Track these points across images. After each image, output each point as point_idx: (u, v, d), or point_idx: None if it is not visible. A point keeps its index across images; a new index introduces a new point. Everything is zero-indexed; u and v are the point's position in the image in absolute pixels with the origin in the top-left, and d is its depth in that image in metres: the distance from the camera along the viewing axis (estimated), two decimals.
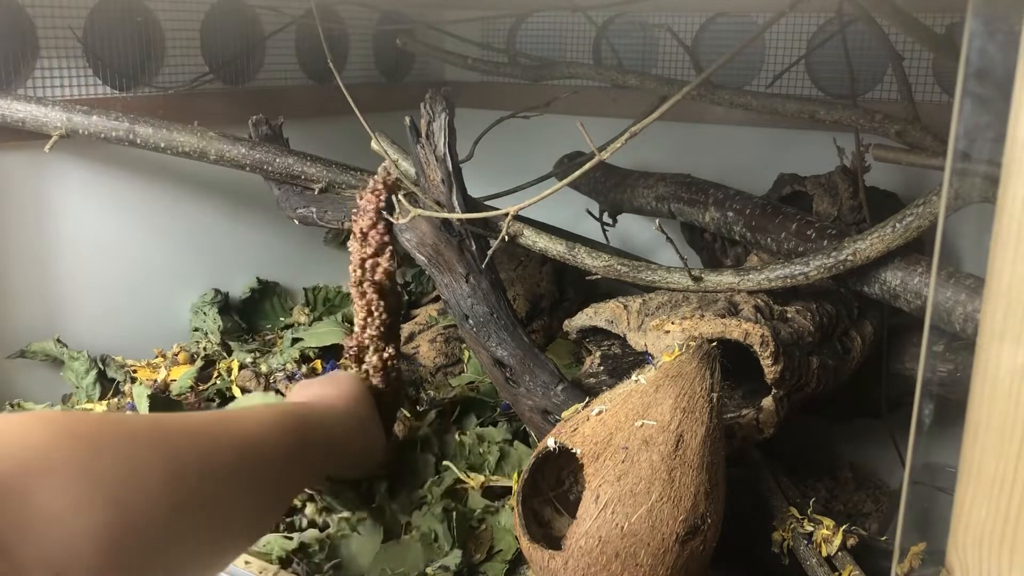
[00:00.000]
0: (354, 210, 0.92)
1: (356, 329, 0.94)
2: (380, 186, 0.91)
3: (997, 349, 0.43)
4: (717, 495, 0.72)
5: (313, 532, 0.88)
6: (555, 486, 0.82)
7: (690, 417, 0.70)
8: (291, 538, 0.87)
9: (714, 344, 0.76)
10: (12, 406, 1.11)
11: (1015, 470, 0.44)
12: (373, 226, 0.90)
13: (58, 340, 1.17)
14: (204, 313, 1.34)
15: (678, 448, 0.69)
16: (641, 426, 0.70)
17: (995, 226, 0.43)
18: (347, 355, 0.95)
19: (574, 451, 0.72)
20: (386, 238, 0.91)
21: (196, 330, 1.34)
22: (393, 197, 0.96)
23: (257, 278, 1.43)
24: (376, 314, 0.92)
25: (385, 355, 0.93)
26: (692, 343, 0.76)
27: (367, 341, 0.93)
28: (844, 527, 0.82)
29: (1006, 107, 0.41)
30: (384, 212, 0.91)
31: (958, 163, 0.46)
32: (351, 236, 0.92)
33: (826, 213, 1.15)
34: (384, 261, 0.90)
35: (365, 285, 0.91)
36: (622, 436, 0.70)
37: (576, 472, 0.80)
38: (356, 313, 0.93)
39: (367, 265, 0.90)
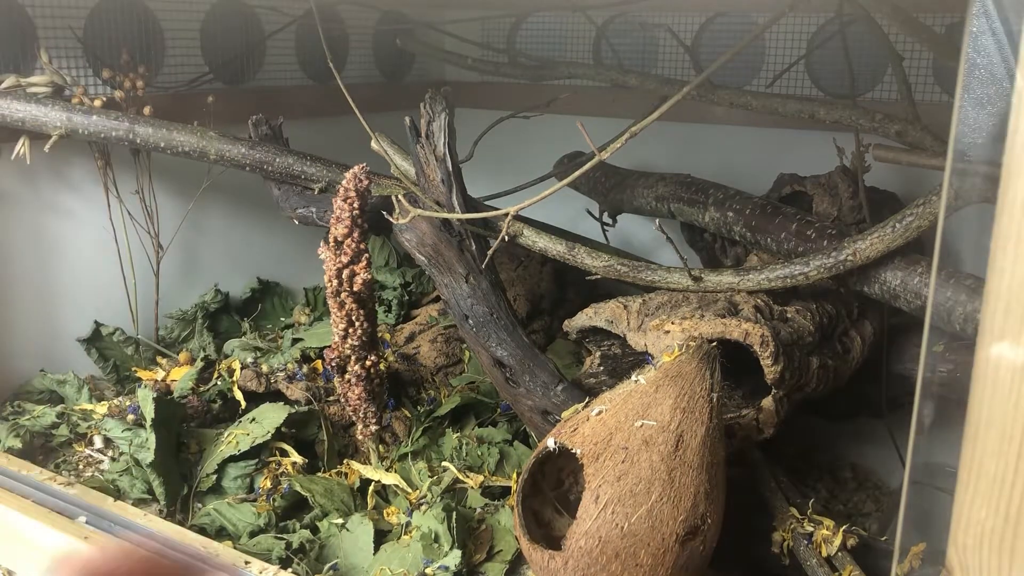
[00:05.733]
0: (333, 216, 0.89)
1: (336, 339, 0.92)
2: (352, 192, 0.88)
3: (997, 349, 0.43)
4: (717, 495, 0.72)
5: (305, 533, 0.88)
6: (555, 486, 0.82)
7: (690, 417, 0.70)
8: (282, 538, 0.87)
9: (714, 344, 0.76)
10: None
11: (1015, 470, 0.44)
12: (348, 234, 0.87)
13: (41, 371, 1.18)
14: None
15: (678, 448, 0.69)
16: (641, 426, 0.70)
17: (995, 227, 0.43)
18: (329, 366, 0.94)
19: (574, 451, 0.72)
20: (362, 246, 0.88)
21: None
22: (393, 197, 0.96)
23: (257, 278, 1.43)
24: (357, 324, 0.90)
25: (368, 363, 0.93)
26: (692, 343, 0.76)
27: (348, 351, 0.92)
28: (844, 527, 0.82)
29: (1006, 107, 0.41)
30: (359, 219, 0.88)
31: (958, 163, 0.46)
32: (323, 244, 0.89)
33: (826, 213, 1.15)
34: (361, 271, 0.87)
35: (343, 296, 0.89)
36: (622, 436, 0.70)
37: (576, 472, 0.80)
38: (335, 324, 0.91)
39: (344, 275, 0.88)
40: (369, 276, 0.89)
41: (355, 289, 0.89)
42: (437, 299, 1.38)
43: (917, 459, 0.52)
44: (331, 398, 1.09)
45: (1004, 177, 0.42)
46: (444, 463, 1.00)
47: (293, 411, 1.02)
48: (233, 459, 0.98)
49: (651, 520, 0.68)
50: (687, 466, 0.69)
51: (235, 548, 0.84)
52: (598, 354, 1.01)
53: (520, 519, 0.75)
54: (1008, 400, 0.44)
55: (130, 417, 1.04)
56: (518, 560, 0.86)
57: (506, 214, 0.91)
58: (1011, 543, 0.45)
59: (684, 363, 0.74)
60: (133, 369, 1.21)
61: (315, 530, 0.90)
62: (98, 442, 1.06)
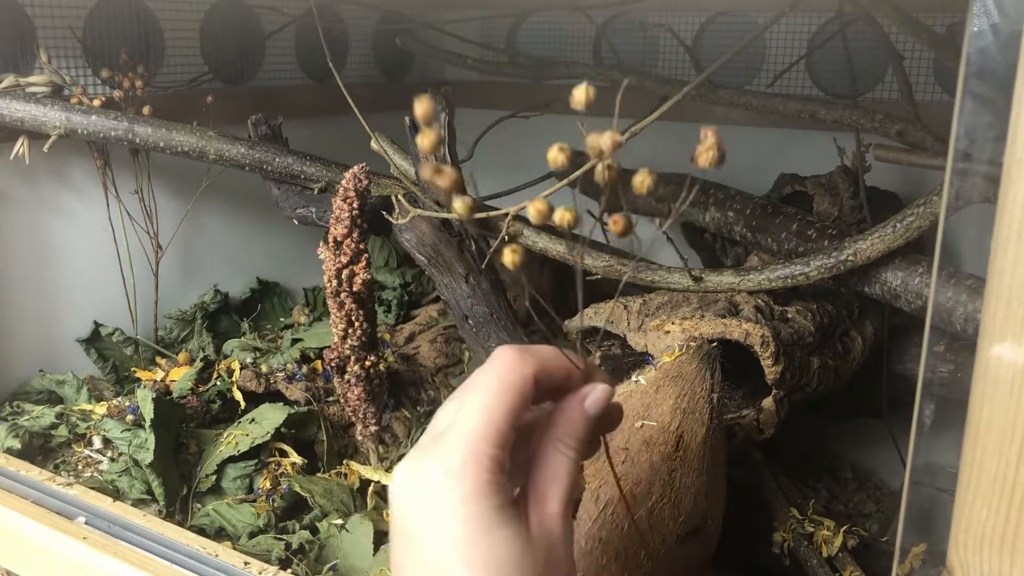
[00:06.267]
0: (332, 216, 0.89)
1: (335, 340, 0.92)
2: (352, 192, 0.88)
3: (998, 350, 0.43)
4: (718, 496, 0.72)
5: (304, 534, 0.88)
6: None
7: (690, 418, 0.70)
8: (282, 539, 0.87)
9: (714, 345, 0.76)
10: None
11: (1016, 470, 0.44)
12: (348, 234, 0.87)
13: (41, 371, 1.18)
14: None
15: (678, 449, 0.69)
16: (641, 427, 0.70)
17: (995, 227, 0.42)
18: (328, 366, 0.94)
19: None
20: (361, 246, 0.88)
21: None
22: (392, 197, 0.96)
23: (257, 278, 1.43)
24: (357, 324, 0.90)
25: (367, 363, 0.93)
26: (693, 344, 0.76)
27: (348, 351, 0.92)
28: (845, 528, 0.82)
29: (1007, 107, 0.41)
30: (358, 219, 0.88)
31: (959, 163, 0.46)
32: (323, 244, 0.89)
33: (826, 213, 1.15)
34: (360, 271, 0.87)
35: (343, 296, 0.88)
36: (622, 437, 0.70)
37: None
38: (334, 324, 0.90)
39: (343, 275, 0.88)
40: (368, 276, 0.89)
41: (354, 289, 0.89)
42: (437, 299, 1.38)
43: (918, 459, 0.52)
44: (331, 398, 1.09)
45: (1004, 177, 0.42)
46: None
47: (292, 411, 1.02)
48: (232, 460, 0.98)
49: (651, 521, 0.67)
50: (688, 467, 0.69)
51: (234, 549, 0.84)
52: (598, 354, 1.01)
53: None
54: (1009, 400, 0.43)
55: (129, 417, 1.04)
56: None
57: (506, 214, 0.91)
58: (1012, 543, 0.45)
59: (684, 363, 0.74)
60: (132, 369, 1.21)
61: (315, 531, 0.90)
62: (97, 442, 1.06)
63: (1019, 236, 0.42)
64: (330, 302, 0.90)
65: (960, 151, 0.46)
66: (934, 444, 0.51)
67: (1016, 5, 0.42)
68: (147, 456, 0.94)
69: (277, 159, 1.11)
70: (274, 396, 1.09)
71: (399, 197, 0.96)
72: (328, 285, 0.89)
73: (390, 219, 0.96)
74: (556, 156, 0.44)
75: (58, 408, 1.10)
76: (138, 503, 0.94)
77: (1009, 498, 0.44)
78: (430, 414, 1.09)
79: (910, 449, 0.51)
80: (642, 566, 0.68)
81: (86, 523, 0.84)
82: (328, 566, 0.84)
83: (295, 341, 1.25)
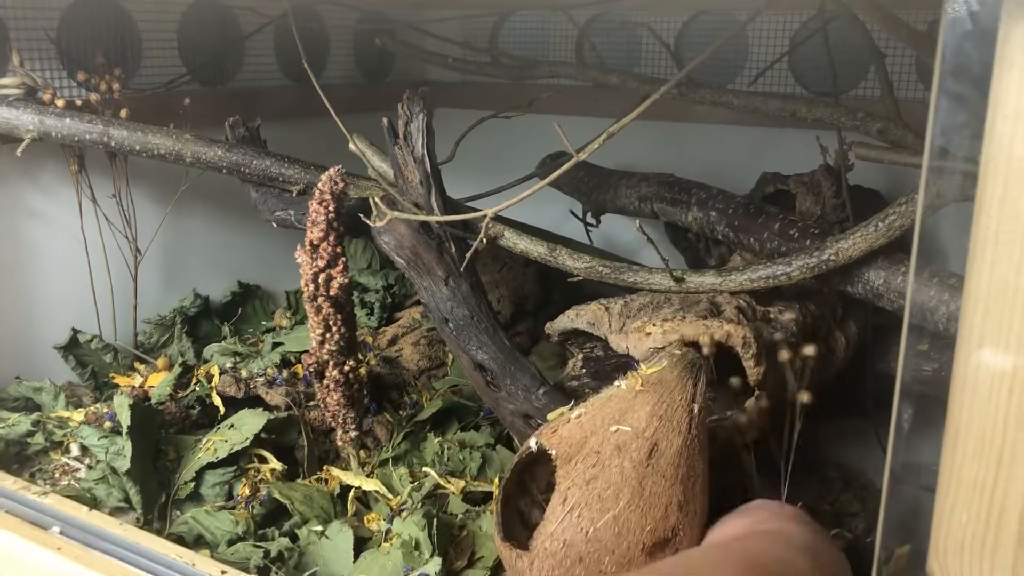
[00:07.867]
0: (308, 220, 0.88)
1: (313, 345, 0.91)
2: (327, 196, 0.87)
3: (976, 352, 0.43)
4: (693, 508, 0.70)
5: (284, 541, 0.87)
6: (545, 489, 0.81)
7: (667, 426, 0.69)
8: (260, 547, 0.86)
9: (698, 355, 0.75)
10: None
11: (995, 474, 0.43)
12: (324, 238, 0.86)
13: (17, 378, 1.16)
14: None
15: (651, 456, 0.68)
16: (615, 431, 0.69)
17: (973, 227, 0.42)
18: (307, 371, 0.93)
19: (550, 452, 0.71)
20: (338, 249, 0.87)
21: None
22: (370, 199, 0.95)
23: (238, 281, 1.42)
24: (335, 328, 0.89)
25: (346, 368, 0.92)
26: (677, 351, 0.75)
27: (326, 356, 0.91)
28: (832, 530, 0.81)
29: (983, 104, 0.41)
30: (335, 222, 0.87)
31: (936, 161, 0.45)
32: (300, 248, 0.88)
33: (809, 212, 1.14)
34: (337, 274, 0.87)
35: (320, 300, 0.88)
36: (596, 440, 0.69)
37: None
38: (312, 328, 0.90)
39: (320, 279, 0.87)
40: (346, 280, 0.88)
41: (331, 293, 0.88)
42: (420, 302, 1.37)
43: (901, 459, 0.52)
44: (311, 403, 1.07)
45: (981, 176, 0.41)
46: (425, 468, 0.99)
47: (272, 417, 1.00)
48: (211, 466, 0.97)
49: (617, 527, 0.66)
50: (659, 475, 0.68)
51: (213, 557, 0.83)
52: (581, 356, 1.00)
53: (498, 517, 0.74)
54: (987, 403, 0.43)
55: (107, 424, 1.02)
56: (499, 566, 0.85)
57: (485, 215, 0.90)
58: (992, 548, 0.44)
59: (666, 371, 0.73)
60: (111, 376, 1.19)
61: (294, 538, 0.89)
62: (75, 450, 1.04)
63: (996, 237, 0.41)
64: (307, 306, 0.89)
65: (937, 148, 0.45)
66: (920, 443, 0.51)
67: (991, 3, 0.42)
68: (124, 463, 0.93)
69: (255, 161, 1.10)
70: (254, 401, 1.08)
71: (376, 199, 0.95)
72: (305, 289, 0.88)
73: (367, 222, 0.95)
74: None
75: (35, 415, 1.08)
76: (116, 511, 0.92)
77: (989, 502, 0.44)
78: (412, 418, 1.08)
79: (889, 452, 0.51)
80: (606, 572, 0.67)
81: (61, 533, 0.83)
82: (307, 573, 0.83)
83: (276, 345, 1.24)
